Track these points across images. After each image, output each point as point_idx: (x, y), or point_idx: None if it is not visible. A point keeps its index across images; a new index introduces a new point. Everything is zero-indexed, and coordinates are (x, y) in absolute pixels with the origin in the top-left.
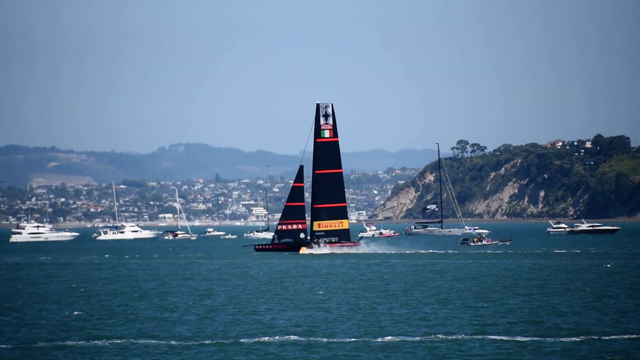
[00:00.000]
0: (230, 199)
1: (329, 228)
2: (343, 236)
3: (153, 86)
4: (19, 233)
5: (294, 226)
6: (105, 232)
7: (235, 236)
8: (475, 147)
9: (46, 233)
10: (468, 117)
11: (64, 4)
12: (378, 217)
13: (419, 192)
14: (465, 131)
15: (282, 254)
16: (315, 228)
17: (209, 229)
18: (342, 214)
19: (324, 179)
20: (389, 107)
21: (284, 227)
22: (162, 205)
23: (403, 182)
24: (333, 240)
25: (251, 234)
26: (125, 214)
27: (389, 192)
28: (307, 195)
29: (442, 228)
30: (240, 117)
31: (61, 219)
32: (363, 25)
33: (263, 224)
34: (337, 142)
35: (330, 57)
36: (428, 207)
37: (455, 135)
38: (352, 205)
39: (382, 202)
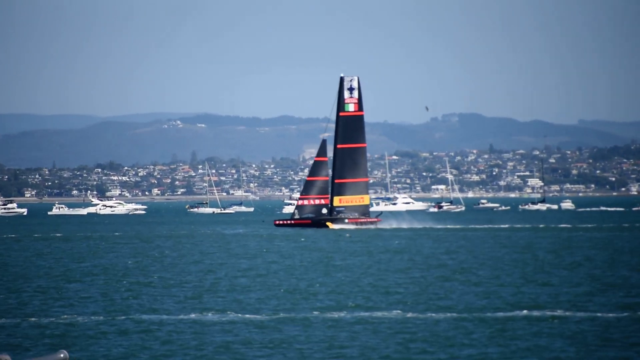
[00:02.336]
0: (504, 170)
1: (350, 203)
2: (363, 212)
3: (423, 54)
4: (291, 204)
5: (316, 201)
6: (377, 204)
7: (509, 207)
8: None
9: None
10: None
11: None
12: None
13: None
14: None
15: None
16: (336, 203)
17: (482, 201)
18: (364, 189)
19: (346, 154)
20: None
21: (305, 202)
22: (434, 176)
23: None
24: (356, 216)
25: (526, 206)
26: (398, 185)
27: None
28: None
29: None
30: (516, 86)
31: None
32: None
33: (538, 195)
34: (362, 116)
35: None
36: None
37: None
38: (632, 176)
39: None
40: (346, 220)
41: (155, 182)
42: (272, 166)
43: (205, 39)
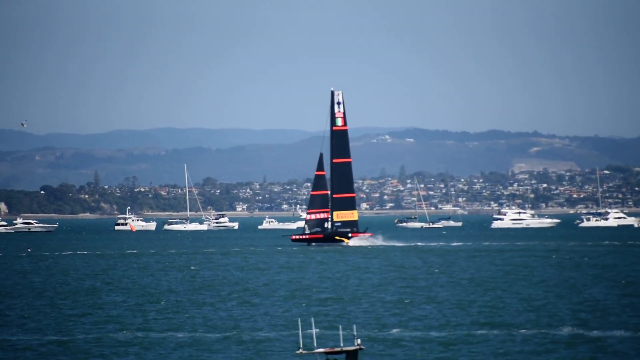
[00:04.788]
0: None
1: (344, 219)
2: (354, 227)
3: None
4: (500, 219)
5: (321, 215)
6: (588, 219)
7: None
8: None
9: (527, 219)
10: None
11: None
12: None
13: None
14: None
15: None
16: (335, 218)
17: None
18: (353, 204)
19: (340, 168)
20: None
21: (313, 216)
22: None
23: None
24: (354, 230)
25: None
26: (609, 200)
27: None
28: None
29: None
30: None
31: (543, 205)
32: None
33: None
34: (347, 130)
35: None
36: None
37: None
38: None
39: None
40: (349, 235)
41: (364, 196)
42: (480, 180)
43: (416, 54)
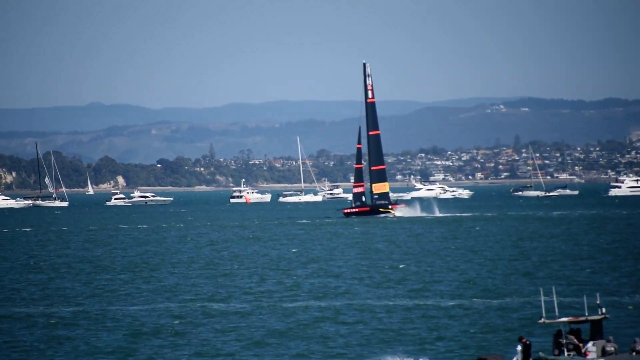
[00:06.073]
0: None
1: (379, 191)
2: (388, 199)
3: None
4: (618, 187)
5: (362, 189)
6: None
7: None
8: None
9: None
10: None
11: None
12: None
13: None
14: None
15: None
16: (374, 190)
17: None
18: (385, 176)
19: (374, 140)
20: None
21: (357, 189)
22: None
23: None
24: (393, 201)
25: None
26: None
27: None
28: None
29: None
30: None
31: None
32: None
33: None
34: (375, 102)
35: None
36: None
37: None
38: None
39: None
40: (390, 207)
41: (479, 166)
42: (597, 149)
43: (529, 24)
